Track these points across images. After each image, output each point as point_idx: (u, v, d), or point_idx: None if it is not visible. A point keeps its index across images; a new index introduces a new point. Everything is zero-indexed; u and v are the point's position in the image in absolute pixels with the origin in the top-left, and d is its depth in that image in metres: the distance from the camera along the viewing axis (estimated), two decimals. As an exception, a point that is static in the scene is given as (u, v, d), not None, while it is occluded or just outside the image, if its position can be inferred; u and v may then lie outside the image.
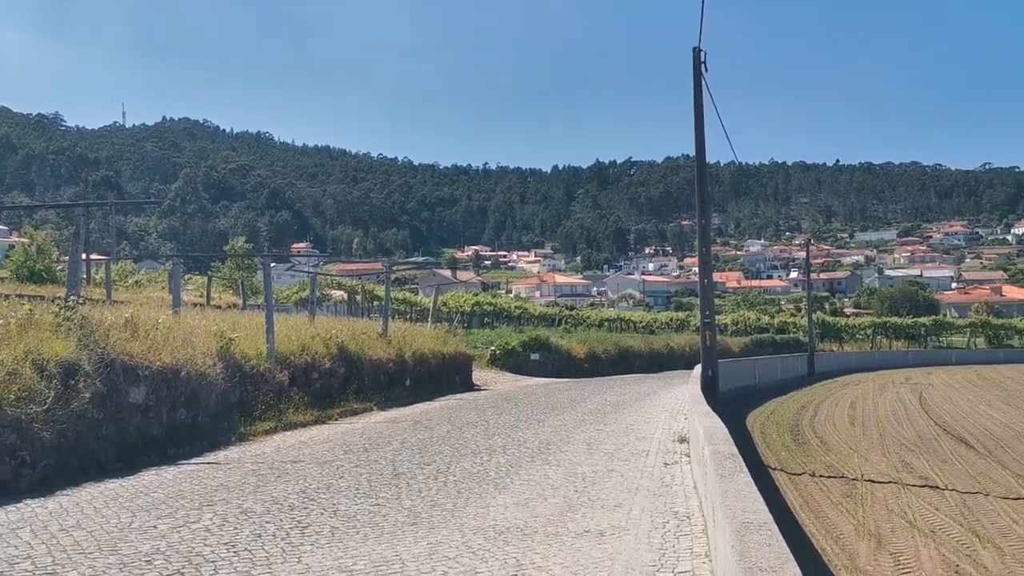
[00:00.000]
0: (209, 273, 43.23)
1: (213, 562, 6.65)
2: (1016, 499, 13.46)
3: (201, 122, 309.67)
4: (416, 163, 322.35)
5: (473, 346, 33.75)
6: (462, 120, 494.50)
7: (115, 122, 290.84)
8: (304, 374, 16.90)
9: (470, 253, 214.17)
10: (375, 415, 17.71)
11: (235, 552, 6.93)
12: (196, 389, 13.05)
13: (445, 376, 24.42)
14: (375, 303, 36.27)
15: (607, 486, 9.92)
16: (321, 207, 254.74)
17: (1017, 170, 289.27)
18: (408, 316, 40.07)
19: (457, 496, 9.33)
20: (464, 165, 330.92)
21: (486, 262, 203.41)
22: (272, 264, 28.25)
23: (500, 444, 13.39)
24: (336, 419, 16.51)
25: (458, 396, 23.20)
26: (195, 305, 22.02)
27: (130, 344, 11.99)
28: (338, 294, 40.93)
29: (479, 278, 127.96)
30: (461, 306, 46.98)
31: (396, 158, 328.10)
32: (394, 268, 38.99)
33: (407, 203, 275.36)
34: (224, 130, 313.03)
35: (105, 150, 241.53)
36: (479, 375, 29.63)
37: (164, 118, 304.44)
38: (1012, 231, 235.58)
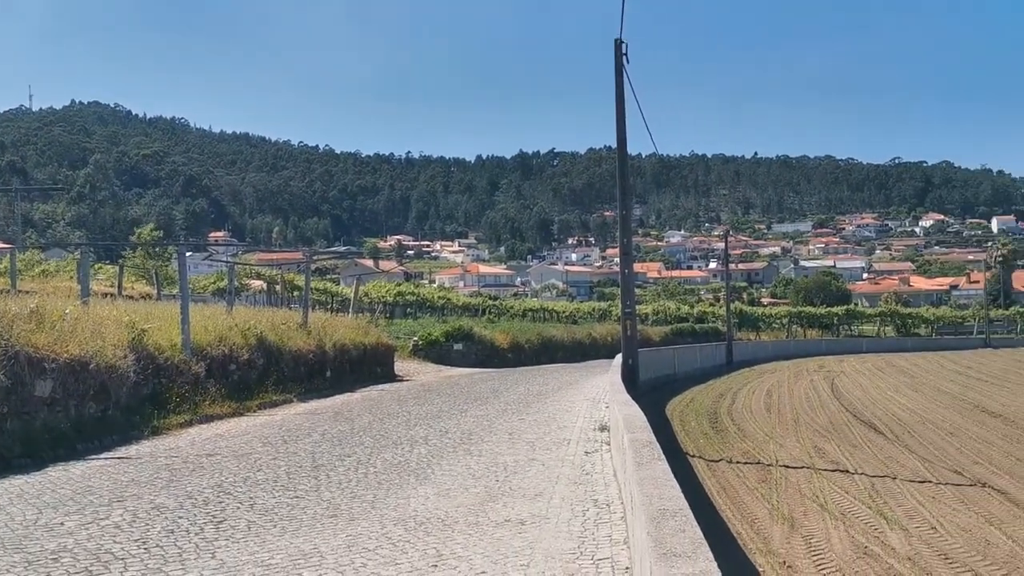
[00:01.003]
0: (120, 262, 41.87)
1: (123, 559, 6.44)
2: (922, 482, 13.97)
3: (112, 106, 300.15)
4: (338, 151, 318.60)
5: (396, 336, 33.51)
6: (385, 108, 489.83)
7: (21, 105, 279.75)
8: (221, 365, 16.54)
9: (393, 243, 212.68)
10: (295, 407, 17.44)
11: (146, 549, 6.73)
12: (106, 382, 12.63)
13: (367, 367, 24.20)
14: (295, 293, 35.69)
15: (528, 475, 9.95)
16: (240, 195, 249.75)
17: (924, 164, 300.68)
18: (329, 306, 39.58)
19: (378, 487, 9.25)
20: (387, 154, 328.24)
21: (409, 252, 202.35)
22: (189, 253, 27.55)
23: (422, 435, 13.33)
24: (254, 411, 16.20)
25: (380, 387, 23.02)
26: (106, 295, 21.31)
27: (35, 336, 11.55)
28: (257, 284, 40.19)
29: (402, 268, 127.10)
30: (383, 296, 46.52)
31: (317, 146, 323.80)
32: (315, 258, 38.48)
33: (329, 192, 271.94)
34: (137, 115, 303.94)
35: (10, 134, 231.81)
36: (402, 366, 29.46)
37: (73, 102, 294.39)
38: (919, 224, 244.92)
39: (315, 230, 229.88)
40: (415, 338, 34.62)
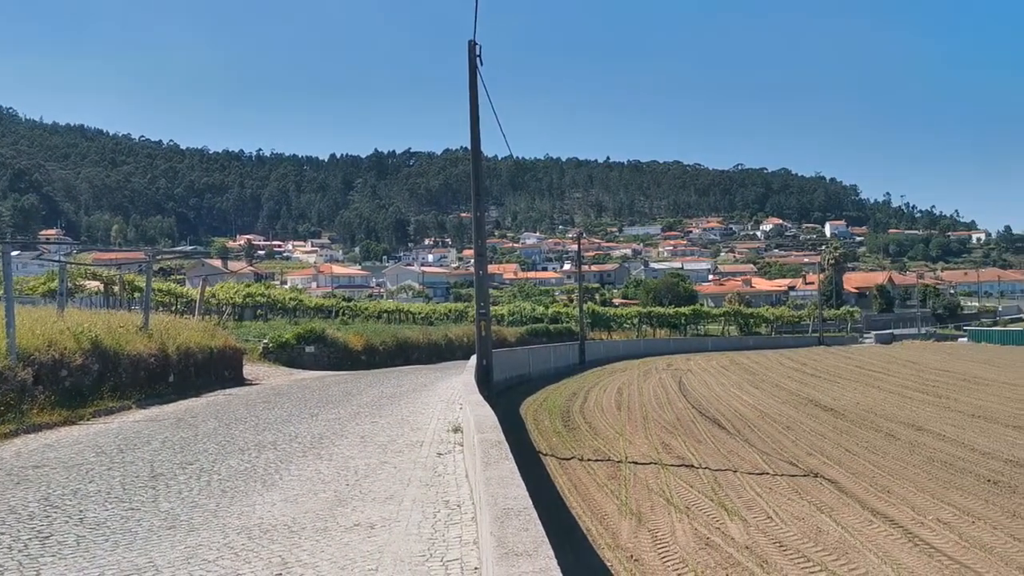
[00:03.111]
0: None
1: (-67, 583, 5.93)
2: (760, 474, 14.64)
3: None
4: (184, 147, 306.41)
5: (245, 339, 32.44)
6: (234, 104, 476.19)
7: None
8: (51, 371, 15.52)
9: (243, 242, 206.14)
10: (133, 413, 16.58)
11: (-40, 570, 6.21)
12: (-82, 390, 11.63)
13: (213, 371, 23.30)
14: (136, 295, 33.94)
15: (379, 478, 9.80)
16: (75, 191, 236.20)
17: (765, 171, 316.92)
18: (174, 308, 37.85)
19: (221, 495, 8.90)
20: (236, 151, 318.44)
21: (260, 252, 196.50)
22: (16, 252, 25.75)
23: (270, 440, 12.93)
24: (89, 419, 15.30)
25: (227, 391, 22.21)
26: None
27: None
28: (94, 285, 37.97)
29: (252, 268, 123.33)
30: (232, 298, 44.92)
31: (161, 141, 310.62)
32: (158, 257, 36.74)
33: (173, 189, 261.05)
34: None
35: None
36: (251, 369, 28.57)
37: None
38: (760, 228, 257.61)
39: (159, 229, 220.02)
40: (265, 340, 33.60)
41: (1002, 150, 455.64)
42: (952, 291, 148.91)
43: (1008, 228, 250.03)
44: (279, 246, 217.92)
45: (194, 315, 30.96)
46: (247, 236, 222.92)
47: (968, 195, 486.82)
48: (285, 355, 33.33)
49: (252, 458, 11.21)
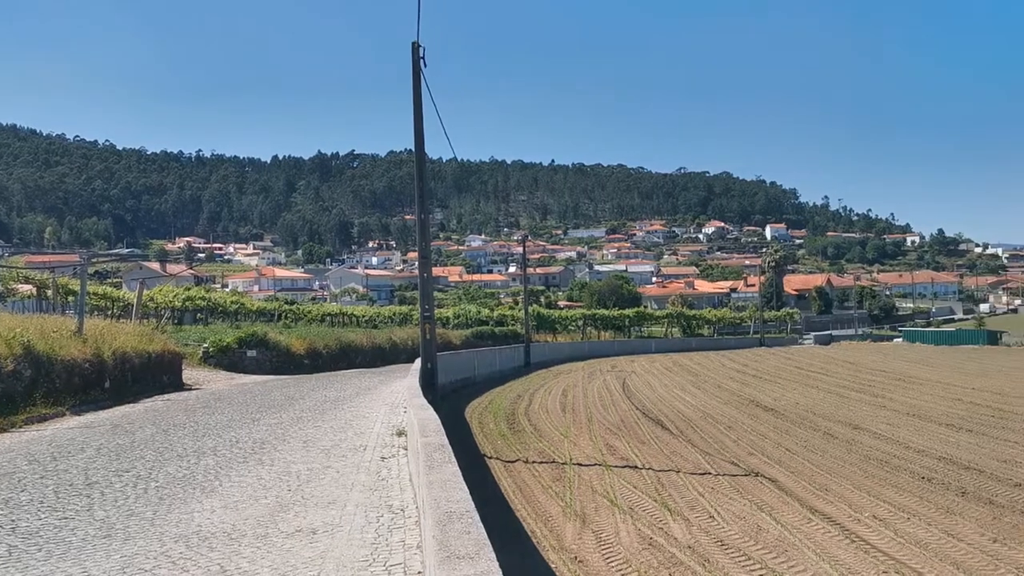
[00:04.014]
0: None
1: None
2: (703, 474, 14.81)
3: None
4: (120, 147, 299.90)
5: (184, 343, 31.84)
6: (172, 104, 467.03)
7: None
8: (-19, 378, 15.05)
9: (182, 245, 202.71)
10: (68, 420, 16.15)
11: None
12: None
13: (151, 376, 22.81)
14: (71, 299, 33.08)
15: (322, 483, 9.70)
16: (6, 192, 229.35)
17: (707, 174, 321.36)
18: (110, 313, 36.97)
19: (159, 503, 8.72)
20: (175, 152, 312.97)
21: (200, 255, 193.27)
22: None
23: (210, 446, 12.70)
24: (20, 426, 14.86)
25: (166, 397, 21.77)
26: None
27: None
28: (26, 288, 36.93)
29: (192, 271, 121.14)
30: (171, 301, 44.03)
31: (96, 141, 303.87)
32: (94, 260, 35.87)
33: (110, 190, 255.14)
34: None
35: None
36: (191, 374, 28.04)
37: None
38: (703, 230, 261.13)
39: (94, 231, 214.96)
40: (205, 345, 33.02)
41: (934, 155, 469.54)
42: (888, 293, 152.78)
43: (941, 231, 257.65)
44: (220, 249, 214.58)
45: (131, 319, 30.31)
46: (187, 238, 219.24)
47: (902, 199, 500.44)
48: (226, 359, 32.79)
49: (191, 464, 11.01)
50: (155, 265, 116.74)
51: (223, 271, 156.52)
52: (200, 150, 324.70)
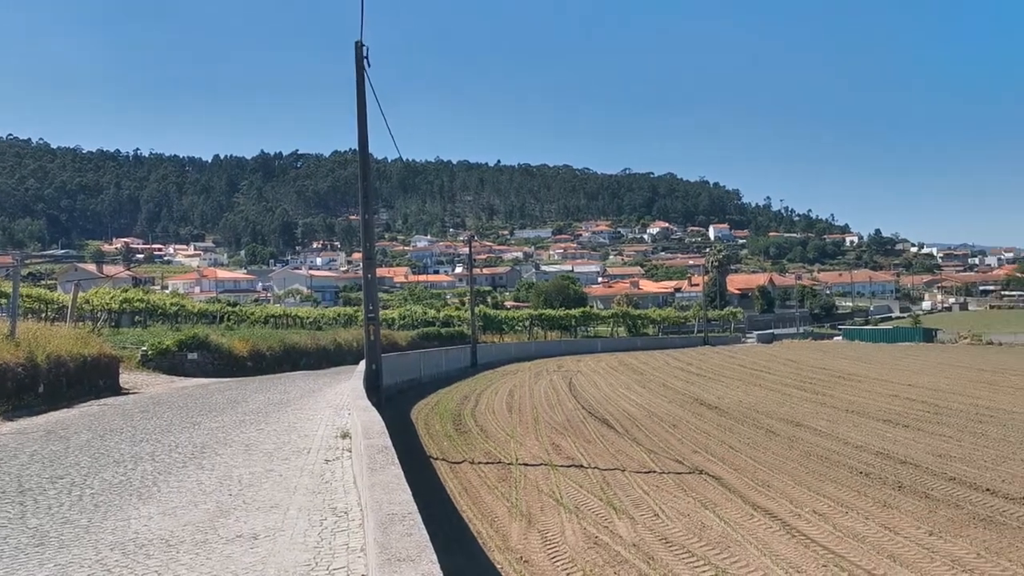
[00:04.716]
0: None
1: None
2: (647, 472, 14.92)
3: None
4: (55, 146, 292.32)
5: (122, 346, 31.13)
6: (108, 101, 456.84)
7: None
8: (-93, 383, 14.52)
9: (119, 246, 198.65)
10: (0, 426, 15.67)
11: None
12: None
13: (87, 380, 22.23)
14: (3, 301, 32.18)
15: (264, 487, 9.54)
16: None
17: (652, 175, 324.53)
18: (44, 315, 35.96)
19: (94, 510, 8.48)
20: (112, 150, 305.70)
21: (138, 256, 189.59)
22: None
23: (148, 451, 12.42)
24: (-51, 433, 14.38)
25: (102, 401, 21.23)
26: None
27: None
28: (-44, 291, 35.81)
29: (130, 273, 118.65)
30: (108, 303, 42.95)
31: (30, 139, 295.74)
32: (27, 262, 34.89)
33: (43, 190, 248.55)
34: None
35: None
36: (129, 378, 27.40)
37: None
38: (648, 231, 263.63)
39: (28, 231, 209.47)
40: (144, 347, 32.30)
41: (872, 158, 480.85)
42: (828, 292, 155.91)
43: (878, 231, 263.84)
44: (159, 250, 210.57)
45: (66, 322, 29.54)
46: (124, 239, 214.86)
47: (842, 200, 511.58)
48: (166, 362, 32.12)
49: (128, 470, 10.75)
50: (91, 266, 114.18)
51: (163, 272, 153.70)
52: (138, 149, 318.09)
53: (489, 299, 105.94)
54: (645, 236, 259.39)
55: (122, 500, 8.97)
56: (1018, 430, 20.09)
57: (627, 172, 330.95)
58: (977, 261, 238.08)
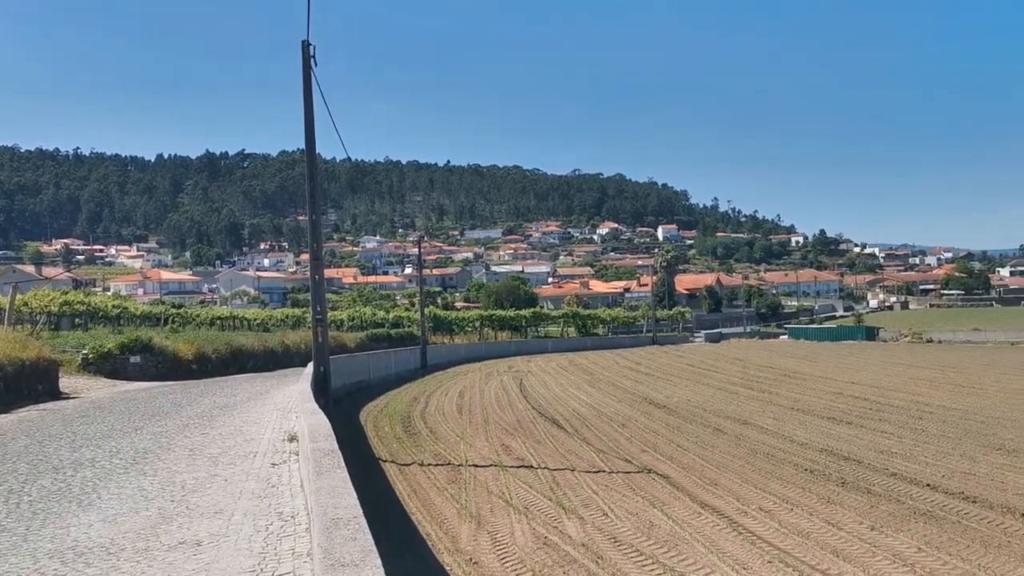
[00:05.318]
0: None
1: None
2: (597, 472, 14.98)
3: None
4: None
5: (62, 350, 30.41)
6: (46, 100, 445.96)
7: None
8: None
9: (59, 247, 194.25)
10: (-67, 433, 15.20)
11: None
12: None
13: (26, 384, 21.69)
14: (-63, 304, 31.31)
15: (208, 492, 9.38)
16: None
17: (601, 176, 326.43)
18: (-19, 318, 35.06)
19: (32, 518, 8.27)
20: (51, 149, 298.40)
21: (79, 257, 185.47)
22: None
23: (88, 457, 12.14)
24: None
25: (41, 406, 20.72)
26: None
27: None
28: None
29: (70, 274, 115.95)
30: (47, 306, 41.96)
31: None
32: (-38, 263, 33.87)
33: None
34: None
35: None
36: (69, 382, 26.77)
37: None
38: (597, 231, 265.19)
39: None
40: (85, 351, 31.58)
41: (817, 159, 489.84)
42: (774, 291, 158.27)
43: (823, 232, 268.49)
44: (101, 251, 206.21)
45: (3, 325, 28.80)
46: (64, 240, 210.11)
47: (788, 200, 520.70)
48: (108, 366, 31.45)
49: (67, 477, 10.49)
50: (30, 268, 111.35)
51: (104, 274, 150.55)
52: (79, 148, 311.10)
53: (439, 300, 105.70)
54: (595, 237, 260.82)
55: (61, 507, 8.76)
56: (957, 426, 20.59)
57: (577, 173, 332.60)
58: (917, 261, 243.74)
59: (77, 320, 45.04)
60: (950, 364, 45.70)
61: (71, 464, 11.48)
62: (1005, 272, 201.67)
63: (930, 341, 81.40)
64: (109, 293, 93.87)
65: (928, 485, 13.53)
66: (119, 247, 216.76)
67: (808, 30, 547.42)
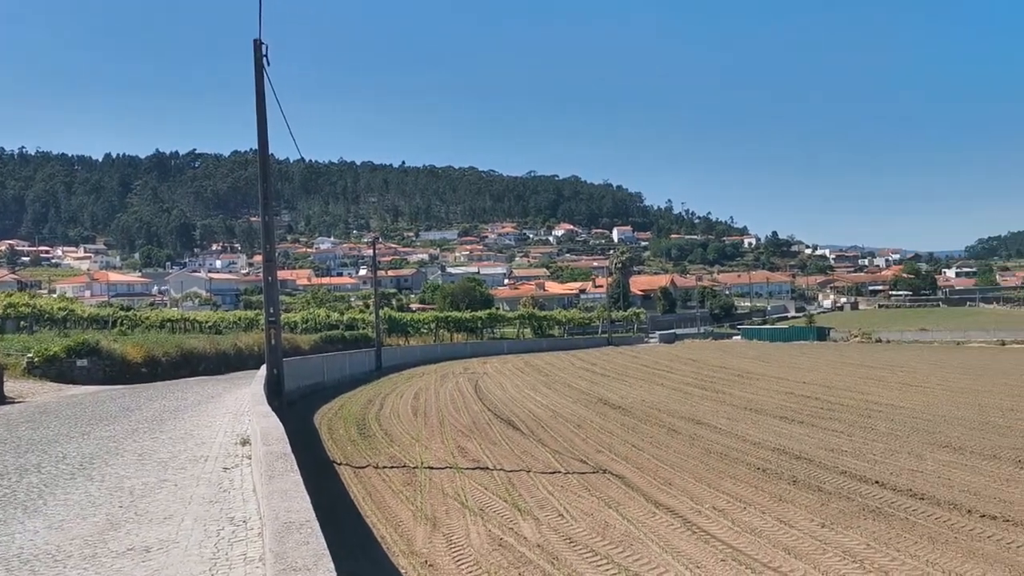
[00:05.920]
0: None
1: None
2: (553, 473, 15.02)
3: None
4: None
5: (6, 353, 29.70)
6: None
7: None
8: None
9: (3, 248, 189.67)
10: None
11: None
12: None
13: (-31, 389, 21.14)
14: None
15: (158, 498, 9.20)
16: None
17: (556, 178, 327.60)
18: (-79, 321, 34.16)
19: (-27, 526, 8.03)
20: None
21: (24, 258, 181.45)
22: None
23: (34, 462, 11.85)
24: None
25: (-15, 411, 20.22)
26: None
27: None
28: None
29: (14, 276, 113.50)
30: (-9, 309, 41.11)
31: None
32: (-98, 264, 32.93)
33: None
34: None
35: None
36: (13, 386, 26.14)
37: None
38: (553, 233, 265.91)
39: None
40: (30, 354, 30.85)
41: (769, 162, 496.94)
42: (727, 292, 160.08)
43: (775, 233, 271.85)
44: (46, 252, 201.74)
45: (-54, 328, 28.06)
46: (8, 241, 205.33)
47: (740, 202, 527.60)
48: (54, 370, 30.76)
49: (12, 483, 10.23)
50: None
51: (50, 276, 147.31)
52: (23, 147, 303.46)
53: (394, 301, 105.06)
54: (550, 238, 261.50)
55: (6, 514, 8.54)
56: (905, 424, 21.01)
57: (532, 175, 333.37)
58: (867, 262, 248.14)
59: (22, 323, 44.02)
60: (898, 364, 46.62)
61: (16, 470, 11.21)
62: (951, 273, 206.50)
63: (879, 341, 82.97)
64: (55, 295, 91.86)
65: (877, 482, 13.78)
66: (66, 248, 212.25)
67: (756, 38, 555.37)
